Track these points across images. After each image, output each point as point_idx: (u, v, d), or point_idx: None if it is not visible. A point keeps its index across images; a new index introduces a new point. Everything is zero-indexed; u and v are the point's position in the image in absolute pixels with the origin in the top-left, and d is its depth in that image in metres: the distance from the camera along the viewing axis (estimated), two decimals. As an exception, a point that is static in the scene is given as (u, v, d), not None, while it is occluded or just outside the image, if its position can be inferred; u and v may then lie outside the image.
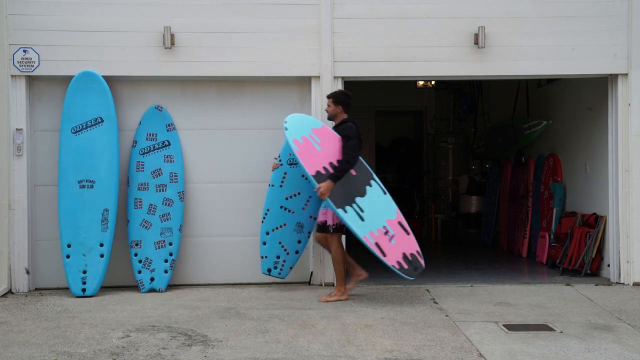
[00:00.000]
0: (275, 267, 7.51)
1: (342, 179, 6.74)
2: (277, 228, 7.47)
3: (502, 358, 5.15)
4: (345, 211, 6.69)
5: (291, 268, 7.58)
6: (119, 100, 7.71)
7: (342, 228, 7.01)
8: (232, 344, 5.47)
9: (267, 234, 7.43)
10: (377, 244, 6.69)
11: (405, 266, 6.75)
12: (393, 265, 6.71)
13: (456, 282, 8.04)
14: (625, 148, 7.86)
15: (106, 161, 7.38)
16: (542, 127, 9.83)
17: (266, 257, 7.44)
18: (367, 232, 6.70)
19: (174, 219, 7.59)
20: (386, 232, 6.79)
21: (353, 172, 6.88)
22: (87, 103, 7.41)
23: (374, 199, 6.89)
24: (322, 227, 7.03)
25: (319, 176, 6.70)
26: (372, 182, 6.98)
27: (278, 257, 7.49)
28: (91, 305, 6.84)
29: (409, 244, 6.87)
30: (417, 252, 6.89)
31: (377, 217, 6.82)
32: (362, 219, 6.73)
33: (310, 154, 6.77)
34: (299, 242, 7.54)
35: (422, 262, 6.86)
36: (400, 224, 6.92)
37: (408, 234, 6.92)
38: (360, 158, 6.99)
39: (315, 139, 6.85)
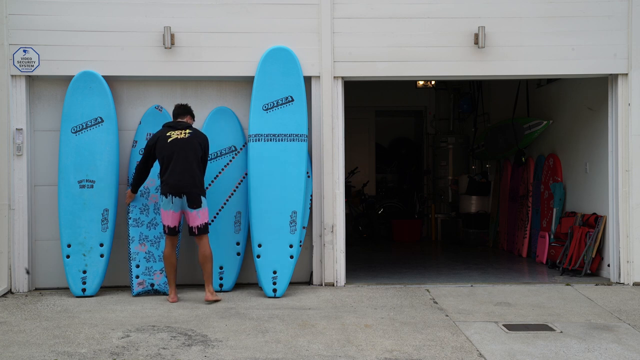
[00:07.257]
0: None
1: None
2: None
3: (502, 358, 5.15)
4: None
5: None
6: (119, 100, 7.72)
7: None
8: (232, 343, 5.47)
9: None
10: None
11: None
12: None
13: (456, 282, 8.04)
14: (625, 148, 7.86)
15: (106, 161, 7.38)
16: (542, 127, 9.82)
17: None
18: None
19: (174, 219, 7.58)
20: None
21: None
22: (87, 103, 7.41)
23: None
24: (204, 229, 6.96)
25: None
26: None
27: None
28: (91, 305, 6.85)
29: None
30: None
31: None
32: None
33: None
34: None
35: None
36: None
37: None
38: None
39: None
